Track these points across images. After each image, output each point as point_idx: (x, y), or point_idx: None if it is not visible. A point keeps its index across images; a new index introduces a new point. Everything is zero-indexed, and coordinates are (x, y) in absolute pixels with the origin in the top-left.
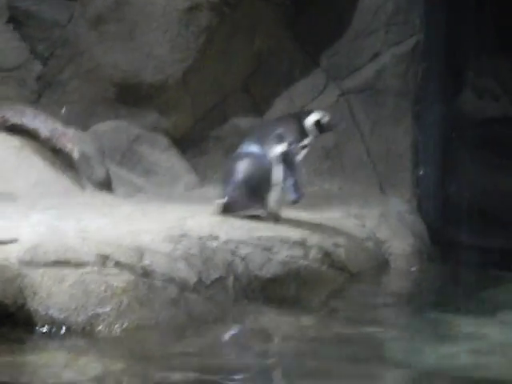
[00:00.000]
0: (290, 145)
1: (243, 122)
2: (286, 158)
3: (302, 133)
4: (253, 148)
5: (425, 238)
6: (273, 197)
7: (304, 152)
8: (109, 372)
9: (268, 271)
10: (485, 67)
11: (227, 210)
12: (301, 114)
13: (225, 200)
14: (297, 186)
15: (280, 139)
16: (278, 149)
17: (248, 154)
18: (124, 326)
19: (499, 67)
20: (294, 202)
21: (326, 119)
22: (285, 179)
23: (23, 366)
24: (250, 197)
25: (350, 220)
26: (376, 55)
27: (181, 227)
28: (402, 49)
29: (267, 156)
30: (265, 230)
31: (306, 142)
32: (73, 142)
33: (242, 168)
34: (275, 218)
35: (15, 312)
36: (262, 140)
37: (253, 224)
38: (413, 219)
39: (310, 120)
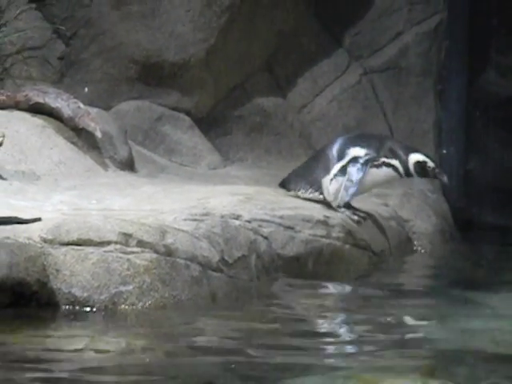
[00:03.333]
0: (372, 156)
1: (266, 101)
2: (361, 163)
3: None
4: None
5: (448, 218)
6: (329, 186)
7: (377, 171)
8: (131, 349)
9: (291, 250)
10: (508, 45)
11: (282, 186)
12: (407, 147)
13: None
14: (352, 191)
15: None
16: (361, 151)
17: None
18: (146, 304)
19: None
20: (340, 203)
21: (430, 165)
22: (348, 179)
23: (46, 344)
24: (304, 177)
25: (372, 199)
26: (399, 34)
27: (203, 206)
28: (424, 27)
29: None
30: (287, 209)
31: (392, 162)
32: (95, 121)
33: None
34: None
35: (38, 290)
36: (353, 139)
37: (275, 203)
38: (436, 198)
39: (413, 159)
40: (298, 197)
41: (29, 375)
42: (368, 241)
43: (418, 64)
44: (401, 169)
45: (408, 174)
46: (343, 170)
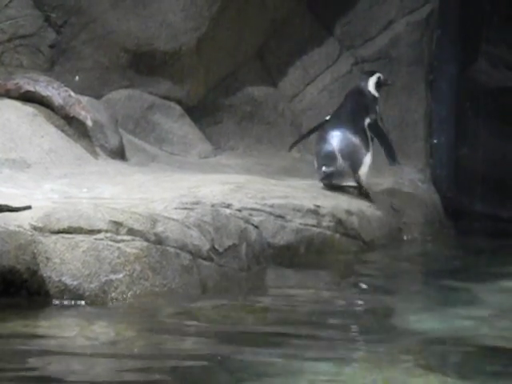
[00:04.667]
0: (372, 116)
1: (257, 90)
2: (374, 129)
3: (373, 101)
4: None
5: (438, 207)
6: (364, 169)
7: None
8: (121, 338)
9: (281, 239)
10: (499, 36)
11: (329, 179)
12: (360, 85)
13: (328, 170)
14: (392, 151)
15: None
16: (365, 122)
17: (340, 128)
18: (137, 292)
19: None
20: (392, 165)
21: (382, 77)
22: (381, 147)
23: (36, 332)
24: (346, 168)
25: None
26: (390, 24)
27: (194, 195)
28: (416, 17)
29: (357, 130)
30: (278, 198)
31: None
32: (86, 109)
33: (338, 140)
34: (366, 191)
35: (28, 278)
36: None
37: (266, 192)
38: (426, 188)
39: (372, 83)
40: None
41: (18, 363)
42: (358, 230)
43: (409, 54)
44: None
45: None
46: None
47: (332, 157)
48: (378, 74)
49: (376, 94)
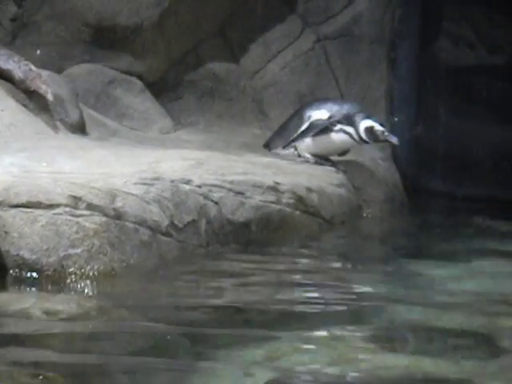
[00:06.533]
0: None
1: (218, 66)
2: (315, 125)
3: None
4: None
5: (398, 185)
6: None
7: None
8: (80, 313)
9: (241, 215)
10: (460, 14)
11: (266, 146)
12: (361, 115)
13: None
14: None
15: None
16: (325, 115)
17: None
18: (95, 267)
19: (475, 15)
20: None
21: (378, 128)
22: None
23: None
24: (282, 136)
25: (325, 166)
26: (352, 1)
27: (154, 170)
28: None
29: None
30: (238, 175)
31: (348, 129)
32: (47, 84)
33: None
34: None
35: None
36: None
37: (226, 168)
38: (386, 166)
39: (363, 125)
40: (278, 154)
41: None
42: (318, 207)
43: (371, 31)
44: (355, 136)
45: (362, 140)
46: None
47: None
48: (375, 124)
49: (366, 139)
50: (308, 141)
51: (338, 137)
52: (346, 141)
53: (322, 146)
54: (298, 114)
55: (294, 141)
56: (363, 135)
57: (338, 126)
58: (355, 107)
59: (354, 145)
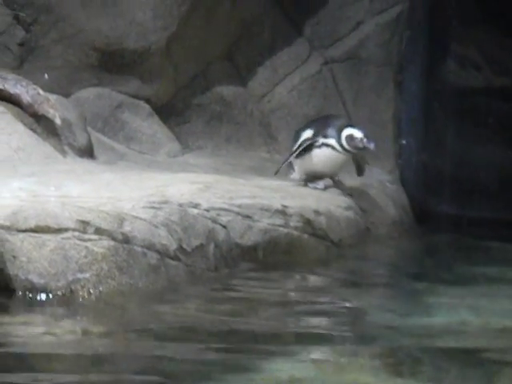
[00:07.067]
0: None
1: (226, 90)
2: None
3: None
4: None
5: (406, 208)
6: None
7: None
8: (87, 336)
9: (249, 239)
10: (468, 37)
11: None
12: (342, 125)
13: None
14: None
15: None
16: (310, 133)
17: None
18: (104, 291)
19: (482, 37)
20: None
21: (357, 135)
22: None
23: (1, 329)
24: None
25: (331, 189)
26: (359, 24)
27: (162, 194)
28: (385, 17)
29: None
30: (246, 198)
31: (329, 142)
32: (55, 108)
33: None
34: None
35: None
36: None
37: (234, 192)
38: (394, 189)
39: (344, 134)
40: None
41: None
42: (326, 230)
43: (379, 54)
44: (338, 146)
45: (344, 149)
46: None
47: None
48: (354, 130)
49: (348, 148)
50: (298, 162)
51: (321, 152)
52: (329, 155)
53: (312, 165)
54: (294, 137)
55: (282, 164)
56: (344, 144)
57: (320, 141)
58: (341, 120)
59: (339, 157)
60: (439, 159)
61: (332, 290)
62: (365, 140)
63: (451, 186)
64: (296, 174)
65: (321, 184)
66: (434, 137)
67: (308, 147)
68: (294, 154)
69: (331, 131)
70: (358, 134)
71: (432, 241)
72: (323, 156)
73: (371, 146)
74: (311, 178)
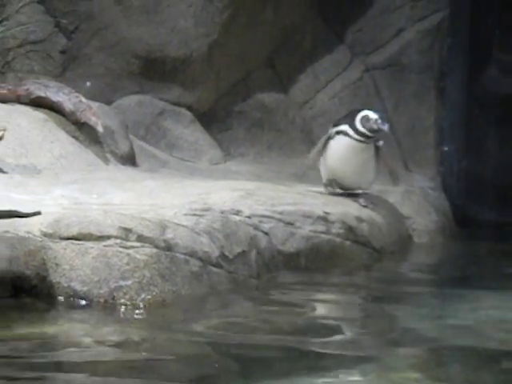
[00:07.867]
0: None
1: (267, 97)
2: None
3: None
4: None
5: (448, 215)
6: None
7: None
8: (129, 342)
9: (291, 246)
10: (509, 43)
11: None
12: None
13: None
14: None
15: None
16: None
17: None
18: (146, 299)
19: None
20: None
21: (371, 116)
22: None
23: (44, 337)
24: None
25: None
26: (400, 31)
27: (204, 201)
28: (426, 24)
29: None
30: (288, 205)
31: (341, 128)
32: (97, 115)
33: None
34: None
35: (38, 284)
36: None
37: (276, 199)
38: (436, 196)
39: (358, 117)
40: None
41: (27, 367)
42: (368, 237)
43: (420, 61)
44: (351, 131)
45: (360, 133)
46: None
47: None
48: (369, 112)
49: (362, 131)
50: (321, 163)
51: (335, 143)
52: (344, 142)
53: (331, 161)
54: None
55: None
56: (359, 126)
57: (333, 130)
58: (359, 110)
59: (356, 147)
60: (481, 166)
61: (372, 296)
62: (379, 121)
63: (492, 192)
64: (322, 179)
65: (361, 201)
66: (476, 143)
67: (325, 145)
68: (317, 150)
69: (343, 119)
70: (373, 115)
71: (474, 247)
72: (339, 146)
73: (385, 127)
74: (336, 183)
